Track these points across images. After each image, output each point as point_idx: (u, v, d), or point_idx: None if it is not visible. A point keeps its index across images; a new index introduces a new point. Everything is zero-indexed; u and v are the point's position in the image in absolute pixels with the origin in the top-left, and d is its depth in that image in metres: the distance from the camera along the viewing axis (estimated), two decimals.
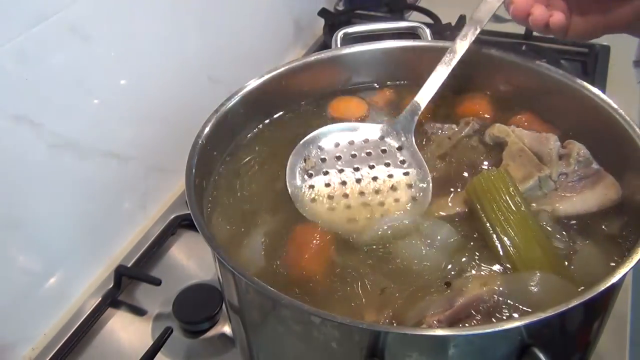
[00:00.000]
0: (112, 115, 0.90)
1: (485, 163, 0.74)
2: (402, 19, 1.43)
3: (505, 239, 0.62)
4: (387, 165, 0.72)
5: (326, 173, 0.71)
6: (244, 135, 0.80)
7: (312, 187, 0.70)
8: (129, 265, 0.91)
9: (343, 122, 0.78)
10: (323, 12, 1.41)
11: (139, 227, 1.00)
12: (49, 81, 0.79)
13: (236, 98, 0.75)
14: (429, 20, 1.39)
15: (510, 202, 0.63)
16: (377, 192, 0.70)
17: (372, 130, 0.75)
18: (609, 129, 0.69)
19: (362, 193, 0.70)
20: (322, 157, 0.73)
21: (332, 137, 0.75)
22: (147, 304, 0.88)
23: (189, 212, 0.61)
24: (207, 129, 0.71)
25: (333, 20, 1.39)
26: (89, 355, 0.82)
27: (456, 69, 0.83)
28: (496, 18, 1.42)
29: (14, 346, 0.81)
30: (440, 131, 0.78)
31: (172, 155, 1.00)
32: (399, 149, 0.74)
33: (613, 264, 0.60)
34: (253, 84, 0.77)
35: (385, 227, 0.65)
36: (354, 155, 0.73)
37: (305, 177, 0.71)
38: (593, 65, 1.25)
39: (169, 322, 0.83)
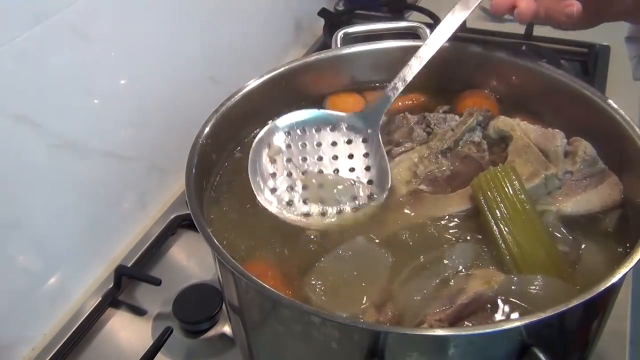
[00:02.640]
0: (112, 115, 0.90)
1: (490, 159, 0.73)
2: (402, 19, 1.43)
3: (509, 238, 0.61)
4: (351, 157, 0.72)
5: (289, 160, 0.71)
6: (244, 135, 0.80)
7: (273, 175, 0.70)
8: (129, 265, 0.91)
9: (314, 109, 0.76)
10: (323, 12, 1.41)
11: (139, 227, 1.00)
12: (49, 81, 0.79)
13: (236, 98, 0.75)
14: (429, 20, 1.39)
15: (515, 200, 0.62)
16: (337, 184, 0.70)
17: (340, 119, 0.74)
18: (609, 129, 0.69)
19: (321, 185, 0.70)
20: (288, 143, 0.72)
21: (300, 123, 0.73)
22: (147, 304, 0.88)
23: (189, 212, 0.61)
24: (207, 129, 0.71)
25: (333, 20, 1.39)
26: (89, 355, 0.82)
27: (456, 71, 0.83)
28: (496, 18, 1.42)
29: (14, 346, 0.81)
30: (443, 122, 0.77)
31: (172, 155, 1.00)
32: (364, 141, 0.73)
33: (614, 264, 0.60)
34: (253, 83, 0.77)
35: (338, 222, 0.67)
36: (319, 144, 0.72)
37: (269, 166, 0.71)
38: (593, 65, 1.25)
39: (169, 322, 0.83)
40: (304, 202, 0.69)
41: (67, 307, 0.88)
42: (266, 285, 0.53)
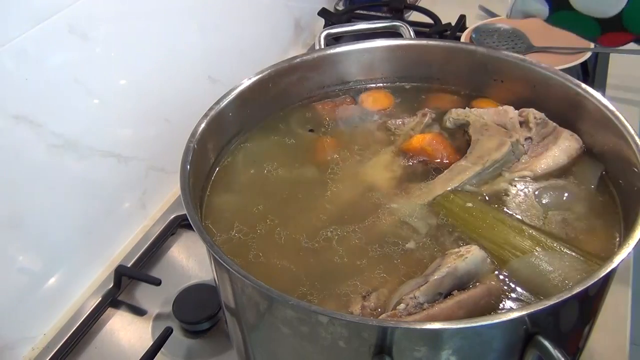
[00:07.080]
0: (112, 115, 0.90)
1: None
2: (401, 19, 1.43)
3: (485, 243, 0.64)
4: None
5: None
6: (240, 136, 0.80)
7: None
8: (129, 265, 0.91)
9: None
10: (323, 12, 1.41)
11: (139, 227, 1.00)
12: (49, 81, 0.79)
13: (228, 99, 0.75)
14: (429, 20, 1.39)
15: (469, 212, 0.67)
16: None
17: None
18: (605, 124, 0.70)
19: None
20: None
21: None
22: (147, 304, 0.88)
23: None
24: (200, 130, 0.71)
25: (333, 20, 1.39)
26: (89, 355, 0.82)
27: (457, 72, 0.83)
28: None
29: (14, 346, 0.81)
30: (403, 125, 0.81)
31: (172, 155, 0.99)
32: None
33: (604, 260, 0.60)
34: (244, 84, 0.77)
35: None
36: None
37: None
38: (593, 65, 1.25)
39: (169, 322, 0.83)
40: None
41: (67, 307, 0.88)
42: (264, 284, 0.53)
